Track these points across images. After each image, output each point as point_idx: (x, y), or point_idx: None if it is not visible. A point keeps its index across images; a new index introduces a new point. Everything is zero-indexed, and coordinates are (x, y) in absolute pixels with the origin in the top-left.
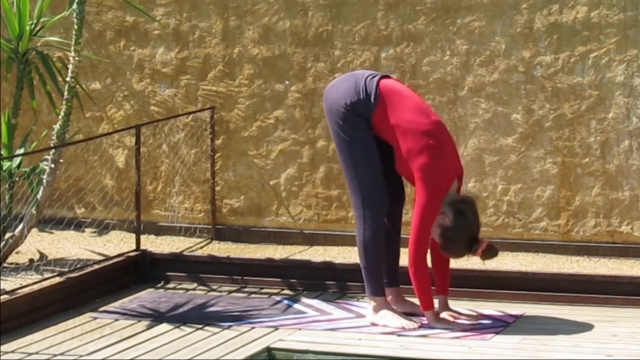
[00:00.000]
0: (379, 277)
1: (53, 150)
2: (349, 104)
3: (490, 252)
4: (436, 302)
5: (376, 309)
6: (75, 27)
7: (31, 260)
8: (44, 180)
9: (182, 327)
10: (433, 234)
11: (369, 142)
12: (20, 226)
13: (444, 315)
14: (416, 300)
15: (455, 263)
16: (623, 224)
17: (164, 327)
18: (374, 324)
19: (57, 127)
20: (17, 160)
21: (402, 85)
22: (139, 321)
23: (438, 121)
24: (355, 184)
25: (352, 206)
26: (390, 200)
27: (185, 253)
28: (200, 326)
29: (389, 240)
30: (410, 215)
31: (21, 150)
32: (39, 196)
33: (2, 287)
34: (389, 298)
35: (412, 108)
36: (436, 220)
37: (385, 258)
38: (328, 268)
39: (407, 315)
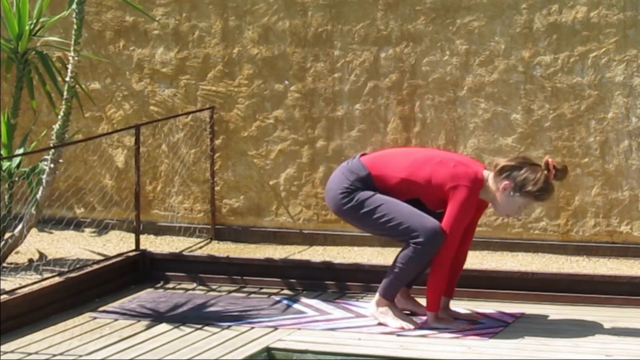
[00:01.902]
0: (400, 289)
1: (52, 150)
2: (347, 186)
3: (561, 172)
4: None
5: (379, 304)
6: (75, 27)
7: (31, 260)
8: (44, 180)
9: (182, 327)
10: (508, 208)
11: (383, 195)
12: (20, 226)
13: (444, 315)
14: (419, 299)
15: None
16: (622, 224)
17: (164, 327)
18: (373, 317)
19: (56, 127)
20: (16, 160)
21: (380, 151)
22: (139, 321)
23: (428, 155)
24: (396, 219)
25: (399, 237)
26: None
27: (184, 253)
28: (199, 326)
29: None
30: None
31: (21, 150)
32: (38, 196)
33: (1, 287)
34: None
35: (402, 154)
36: (503, 197)
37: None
38: (327, 268)
39: (407, 314)
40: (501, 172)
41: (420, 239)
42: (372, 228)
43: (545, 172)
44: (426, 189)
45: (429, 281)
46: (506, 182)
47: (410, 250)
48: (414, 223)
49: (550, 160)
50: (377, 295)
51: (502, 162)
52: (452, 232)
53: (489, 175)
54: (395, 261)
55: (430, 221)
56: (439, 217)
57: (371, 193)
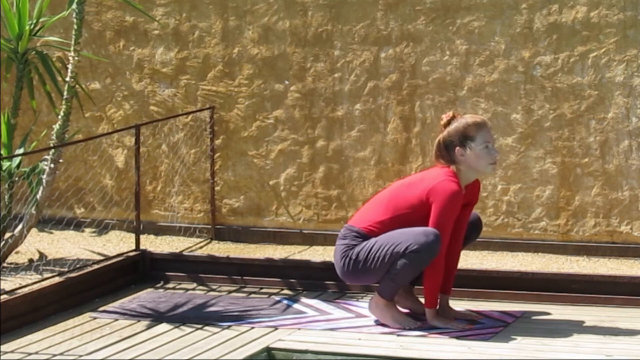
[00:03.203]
0: (397, 290)
1: (53, 150)
2: (344, 250)
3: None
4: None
5: (378, 302)
6: (75, 27)
7: (31, 260)
8: (44, 180)
9: (182, 327)
10: (481, 160)
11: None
12: (20, 226)
13: (444, 314)
14: (419, 297)
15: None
16: (622, 224)
17: (164, 327)
18: (372, 314)
19: (56, 127)
20: (16, 160)
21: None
22: (139, 321)
23: (397, 186)
24: (390, 245)
25: (403, 252)
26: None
27: (184, 253)
28: (199, 326)
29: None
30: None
31: (21, 150)
32: (38, 196)
33: (2, 287)
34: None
35: (377, 199)
36: (469, 158)
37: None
38: (327, 268)
39: (406, 312)
40: (443, 150)
41: (415, 247)
42: (378, 272)
43: (456, 118)
44: (415, 214)
45: (425, 278)
46: (456, 149)
47: (407, 258)
48: (406, 237)
49: (445, 114)
50: (375, 294)
51: (435, 146)
52: (441, 228)
53: (450, 166)
54: (392, 266)
55: (420, 229)
56: None
57: (364, 243)
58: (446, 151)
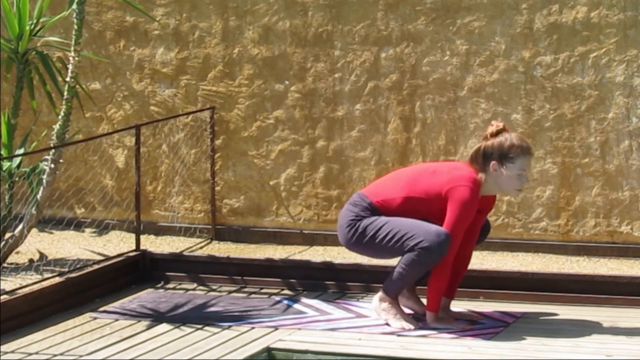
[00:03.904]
0: (403, 289)
1: (53, 150)
2: (351, 218)
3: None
4: None
5: (382, 300)
6: (75, 27)
7: (31, 261)
8: (44, 180)
9: (182, 327)
10: (510, 183)
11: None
12: (20, 226)
13: (444, 315)
14: (421, 298)
15: None
16: (623, 224)
17: (164, 327)
18: (375, 312)
19: (57, 127)
20: (17, 161)
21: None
22: (139, 321)
23: (421, 169)
24: (401, 232)
25: (409, 252)
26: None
27: (185, 253)
28: (200, 326)
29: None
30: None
31: (21, 150)
32: (38, 196)
33: (2, 287)
34: None
35: (397, 175)
36: (500, 176)
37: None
38: (328, 268)
39: (407, 312)
40: (480, 157)
41: (425, 244)
42: (382, 251)
43: (505, 133)
44: (428, 203)
45: (430, 281)
46: (492, 162)
47: (415, 254)
48: (418, 232)
49: (496, 123)
50: (380, 291)
51: (474, 150)
52: (453, 232)
53: (479, 173)
54: (399, 262)
55: (434, 227)
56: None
57: (374, 218)
58: (482, 159)
